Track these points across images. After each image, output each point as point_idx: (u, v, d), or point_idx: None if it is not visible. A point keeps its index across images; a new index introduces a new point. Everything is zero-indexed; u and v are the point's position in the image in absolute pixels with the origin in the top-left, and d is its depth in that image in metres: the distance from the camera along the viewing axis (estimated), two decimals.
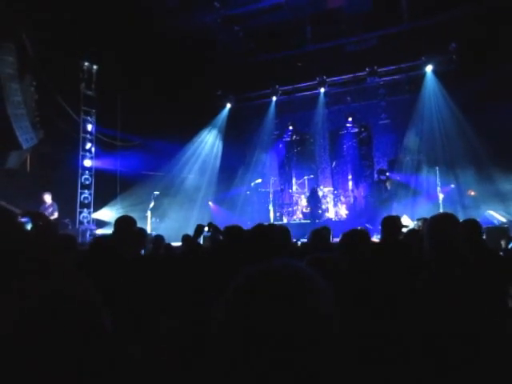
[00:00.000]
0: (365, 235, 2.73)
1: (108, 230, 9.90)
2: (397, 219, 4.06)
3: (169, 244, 5.77)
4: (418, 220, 5.88)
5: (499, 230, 7.28)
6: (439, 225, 2.34)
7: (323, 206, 11.73)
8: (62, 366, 0.75)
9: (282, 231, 3.01)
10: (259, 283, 0.73)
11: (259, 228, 2.75)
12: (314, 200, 11.63)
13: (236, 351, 0.68)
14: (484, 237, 7.32)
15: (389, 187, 11.19)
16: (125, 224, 3.39)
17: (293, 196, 12.83)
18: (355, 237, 2.61)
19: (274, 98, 13.60)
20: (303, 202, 12.10)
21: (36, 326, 0.76)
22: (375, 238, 9.39)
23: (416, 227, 5.64)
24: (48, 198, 8.97)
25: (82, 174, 11.27)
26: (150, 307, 2.29)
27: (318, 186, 12.70)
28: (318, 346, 0.68)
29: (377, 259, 3.20)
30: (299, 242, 6.62)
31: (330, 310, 0.73)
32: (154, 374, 1.66)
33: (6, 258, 1.57)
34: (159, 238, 5.74)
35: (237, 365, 0.68)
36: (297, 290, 0.71)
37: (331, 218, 11.53)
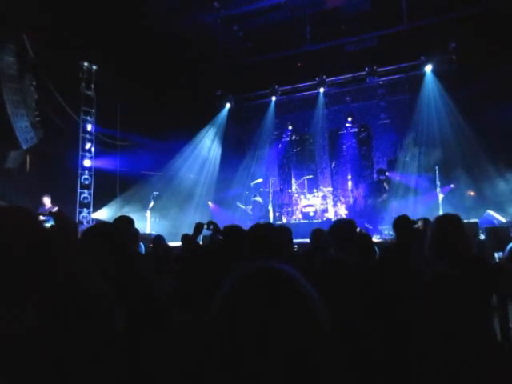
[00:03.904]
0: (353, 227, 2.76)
1: None
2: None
3: (166, 245, 5.78)
4: (419, 220, 5.87)
5: (499, 231, 7.29)
6: (444, 226, 2.34)
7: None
8: (72, 357, 0.75)
9: (282, 231, 3.02)
10: (246, 288, 0.73)
11: (257, 227, 2.75)
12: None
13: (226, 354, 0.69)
14: (483, 237, 7.38)
15: (387, 187, 11.18)
16: (123, 223, 3.44)
17: (292, 196, 12.82)
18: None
19: (274, 98, 13.59)
20: (303, 201, 12.10)
21: (50, 320, 0.76)
22: (375, 238, 9.41)
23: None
24: (47, 201, 8.99)
25: (82, 174, 11.27)
26: (154, 305, 2.29)
27: (318, 186, 12.71)
28: (308, 347, 0.68)
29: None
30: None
31: (318, 310, 0.73)
32: (159, 371, 1.66)
33: (23, 256, 1.57)
34: (159, 238, 5.74)
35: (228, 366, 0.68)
36: (281, 293, 0.72)
37: (330, 218, 11.52)
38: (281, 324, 0.68)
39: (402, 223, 3.91)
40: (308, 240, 4.96)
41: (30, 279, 1.24)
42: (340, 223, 3.04)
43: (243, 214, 12.67)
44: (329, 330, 0.73)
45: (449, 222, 2.42)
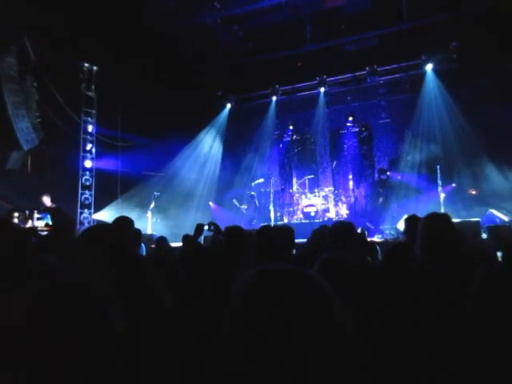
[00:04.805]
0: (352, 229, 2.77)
1: None
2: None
3: (169, 246, 5.78)
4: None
5: (501, 229, 7.28)
6: (434, 224, 2.34)
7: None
8: (69, 356, 0.74)
9: (286, 231, 3.01)
10: (271, 283, 0.73)
11: (265, 229, 2.75)
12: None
13: (245, 350, 0.68)
14: (485, 236, 7.37)
15: (381, 191, 11.18)
16: (123, 224, 3.44)
17: (293, 196, 12.82)
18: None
19: (274, 98, 13.58)
20: (304, 201, 12.09)
21: (45, 317, 0.76)
22: (376, 238, 9.40)
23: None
24: (47, 200, 8.94)
25: (83, 175, 11.28)
26: (156, 305, 2.28)
27: (319, 186, 12.73)
28: (331, 349, 0.68)
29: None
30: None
31: (342, 315, 0.73)
32: (159, 372, 1.66)
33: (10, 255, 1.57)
34: (162, 240, 5.73)
35: (245, 364, 0.68)
36: (305, 294, 0.71)
37: (332, 218, 11.51)
38: (304, 323, 0.68)
39: (415, 223, 3.85)
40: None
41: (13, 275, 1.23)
42: (339, 225, 3.04)
43: (243, 214, 12.67)
44: (351, 333, 0.72)
45: (436, 221, 2.42)
